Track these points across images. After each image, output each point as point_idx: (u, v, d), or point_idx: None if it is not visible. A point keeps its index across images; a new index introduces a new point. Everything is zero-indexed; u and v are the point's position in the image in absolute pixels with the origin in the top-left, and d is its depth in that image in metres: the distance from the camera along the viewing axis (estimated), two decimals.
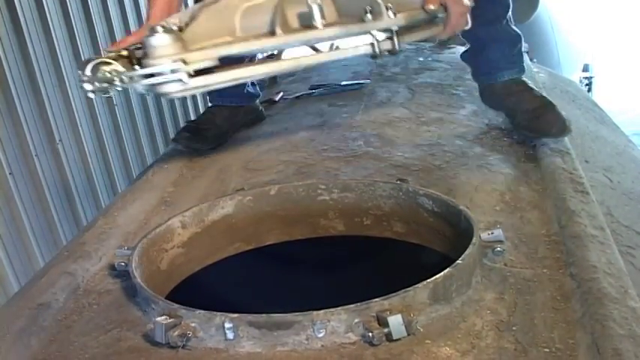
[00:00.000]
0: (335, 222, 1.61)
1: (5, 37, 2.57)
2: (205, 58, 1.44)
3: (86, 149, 2.97)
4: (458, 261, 1.16)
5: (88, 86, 1.45)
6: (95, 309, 1.28)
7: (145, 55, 1.45)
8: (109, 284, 1.35)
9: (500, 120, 2.08)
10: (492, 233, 1.27)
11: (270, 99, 2.70)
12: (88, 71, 1.45)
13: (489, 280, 1.23)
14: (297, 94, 2.70)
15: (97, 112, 3.12)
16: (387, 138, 2.04)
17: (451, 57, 2.98)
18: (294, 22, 1.54)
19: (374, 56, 1.50)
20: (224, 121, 2.22)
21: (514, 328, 1.10)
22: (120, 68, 1.45)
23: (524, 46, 2.13)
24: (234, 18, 1.55)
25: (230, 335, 1.07)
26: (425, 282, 1.11)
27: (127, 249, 1.34)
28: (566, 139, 1.94)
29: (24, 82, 2.63)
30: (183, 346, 1.07)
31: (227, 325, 1.06)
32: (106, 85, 1.45)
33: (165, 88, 1.45)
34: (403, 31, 1.53)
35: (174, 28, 1.50)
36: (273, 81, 3.04)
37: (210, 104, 2.34)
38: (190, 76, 1.43)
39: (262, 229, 1.60)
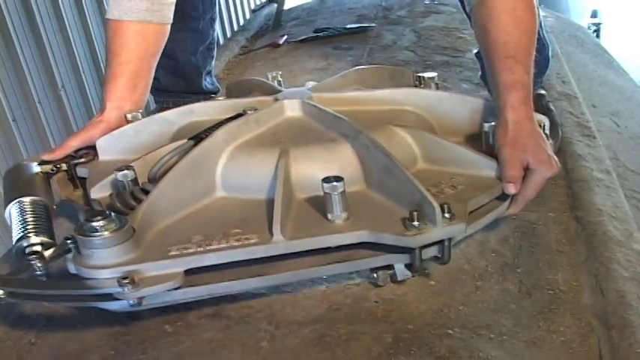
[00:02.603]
0: None
1: None
2: (165, 279, 0.93)
3: (89, 95, 2.95)
4: None
5: None
6: None
7: (78, 257, 0.95)
8: None
9: None
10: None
11: (274, 42, 2.67)
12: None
13: (494, 223, 1.22)
14: (302, 38, 2.66)
15: (100, 57, 3.09)
16: None
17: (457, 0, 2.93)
18: (300, 191, 1.09)
19: (411, 266, 1.01)
20: None
21: (518, 270, 1.10)
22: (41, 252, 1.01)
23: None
24: (216, 167, 1.13)
25: None
26: None
27: None
28: (573, 82, 1.91)
29: (25, 28, 2.59)
30: None
31: None
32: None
33: (106, 305, 0.97)
34: None
35: (127, 183, 1.11)
36: (277, 24, 3.01)
37: None
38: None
39: None
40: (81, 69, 2.91)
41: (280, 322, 1.02)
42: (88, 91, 2.95)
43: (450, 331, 0.97)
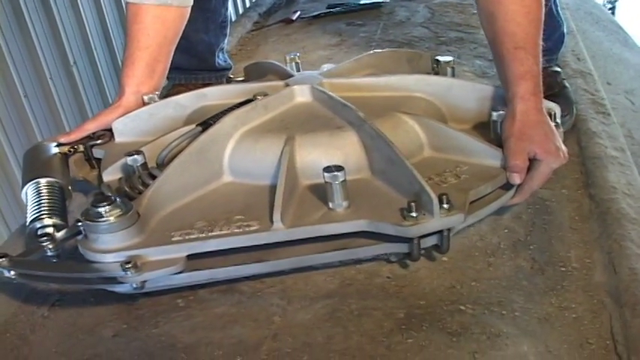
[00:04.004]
0: None
1: None
2: (167, 264, 0.95)
3: (100, 71, 2.95)
4: None
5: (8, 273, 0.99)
6: None
7: (84, 241, 0.97)
8: None
9: None
10: None
11: (287, 18, 2.66)
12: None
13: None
14: (315, 13, 2.64)
15: (111, 33, 3.08)
16: None
17: None
18: (305, 178, 1.09)
19: (410, 255, 1.01)
20: None
21: (531, 247, 1.10)
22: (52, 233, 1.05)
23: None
24: (224, 153, 1.13)
25: None
26: None
27: None
28: (588, 60, 1.89)
29: (36, 3, 2.59)
30: None
31: None
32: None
33: (111, 287, 1.00)
34: None
35: (136, 168, 1.12)
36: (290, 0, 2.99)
37: None
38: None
39: None
40: (93, 45, 2.91)
41: (292, 297, 1.02)
42: (99, 67, 2.95)
43: (462, 307, 0.97)
